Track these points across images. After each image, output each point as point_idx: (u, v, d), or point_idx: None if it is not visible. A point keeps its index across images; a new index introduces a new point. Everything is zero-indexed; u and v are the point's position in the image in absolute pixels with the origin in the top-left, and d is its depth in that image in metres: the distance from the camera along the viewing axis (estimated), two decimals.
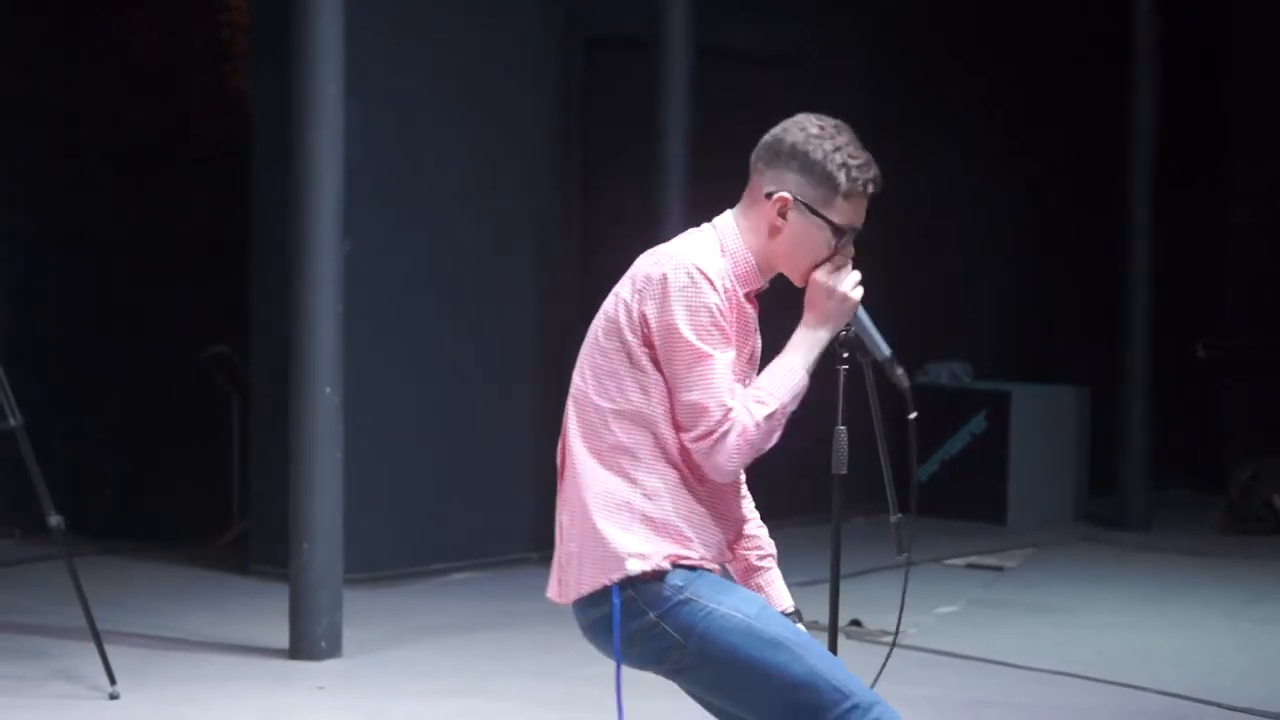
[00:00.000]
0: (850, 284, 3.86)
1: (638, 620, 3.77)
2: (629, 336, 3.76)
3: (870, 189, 3.84)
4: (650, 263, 3.81)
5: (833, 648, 3.92)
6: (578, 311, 9.01)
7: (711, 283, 3.75)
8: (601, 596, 3.79)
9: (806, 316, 3.87)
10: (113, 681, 6.36)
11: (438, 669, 6.97)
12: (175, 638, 7.33)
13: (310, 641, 6.97)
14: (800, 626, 3.90)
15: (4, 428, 6.38)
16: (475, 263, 8.68)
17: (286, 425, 7.12)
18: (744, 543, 4.01)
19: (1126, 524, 10.25)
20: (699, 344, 3.72)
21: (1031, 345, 11.41)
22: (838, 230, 3.83)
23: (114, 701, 6.33)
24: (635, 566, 3.75)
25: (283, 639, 7.05)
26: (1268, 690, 6.82)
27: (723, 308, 3.76)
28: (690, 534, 3.80)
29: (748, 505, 4.04)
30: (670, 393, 3.76)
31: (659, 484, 3.80)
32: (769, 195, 3.84)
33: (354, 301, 7.36)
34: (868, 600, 6.94)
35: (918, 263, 10.46)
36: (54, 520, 6.35)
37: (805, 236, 3.83)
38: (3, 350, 7.26)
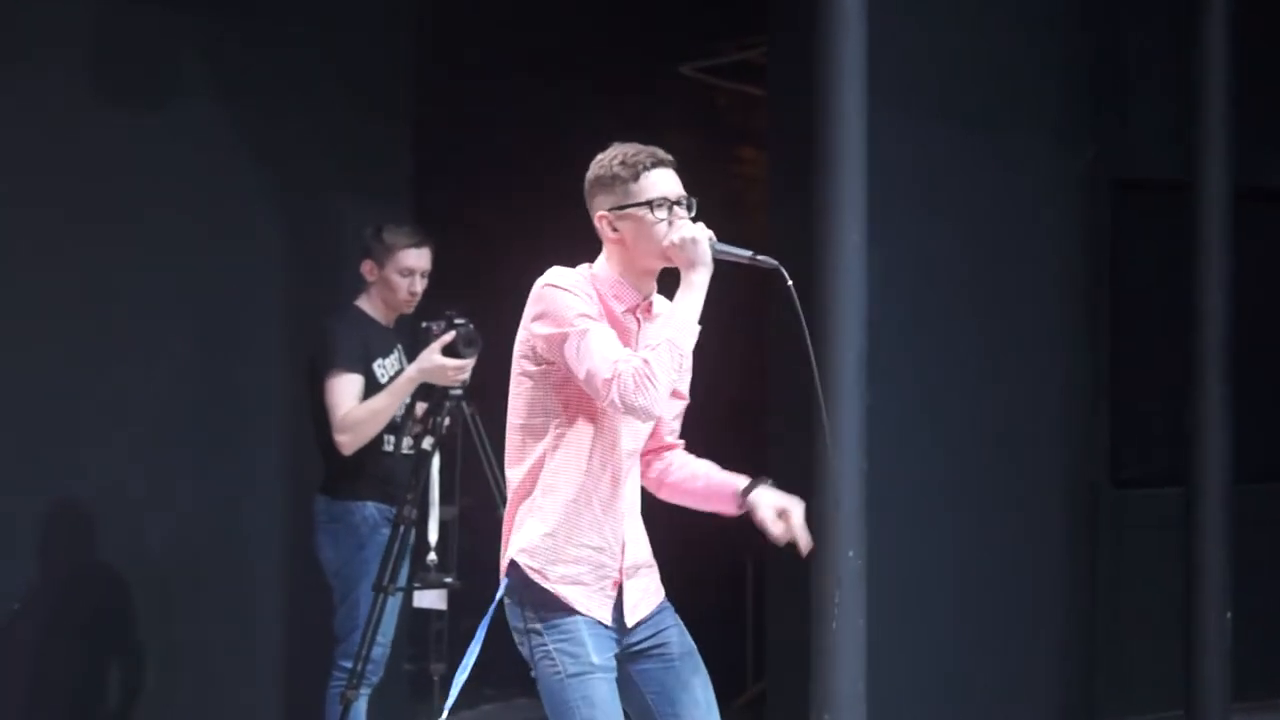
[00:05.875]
0: (689, 229, 4.42)
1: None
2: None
3: (651, 162, 4.45)
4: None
5: None
6: (1108, 468, 8.67)
7: (559, 286, 4.39)
8: None
9: (682, 274, 4.43)
10: None
11: None
12: None
13: None
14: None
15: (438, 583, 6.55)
16: (999, 413, 8.36)
17: (804, 587, 6.89)
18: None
19: None
20: (563, 329, 4.33)
21: None
22: (651, 204, 4.43)
23: None
24: None
25: None
26: None
27: (577, 301, 4.35)
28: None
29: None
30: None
31: None
32: (598, 224, 4.49)
33: (875, 456, 7.14)
34: None
35: None
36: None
37: (637, 229, 4.44)
38: None
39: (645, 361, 4.28)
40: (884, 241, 7.54)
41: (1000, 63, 8.37)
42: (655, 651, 4.51)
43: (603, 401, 4.30)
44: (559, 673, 4.34)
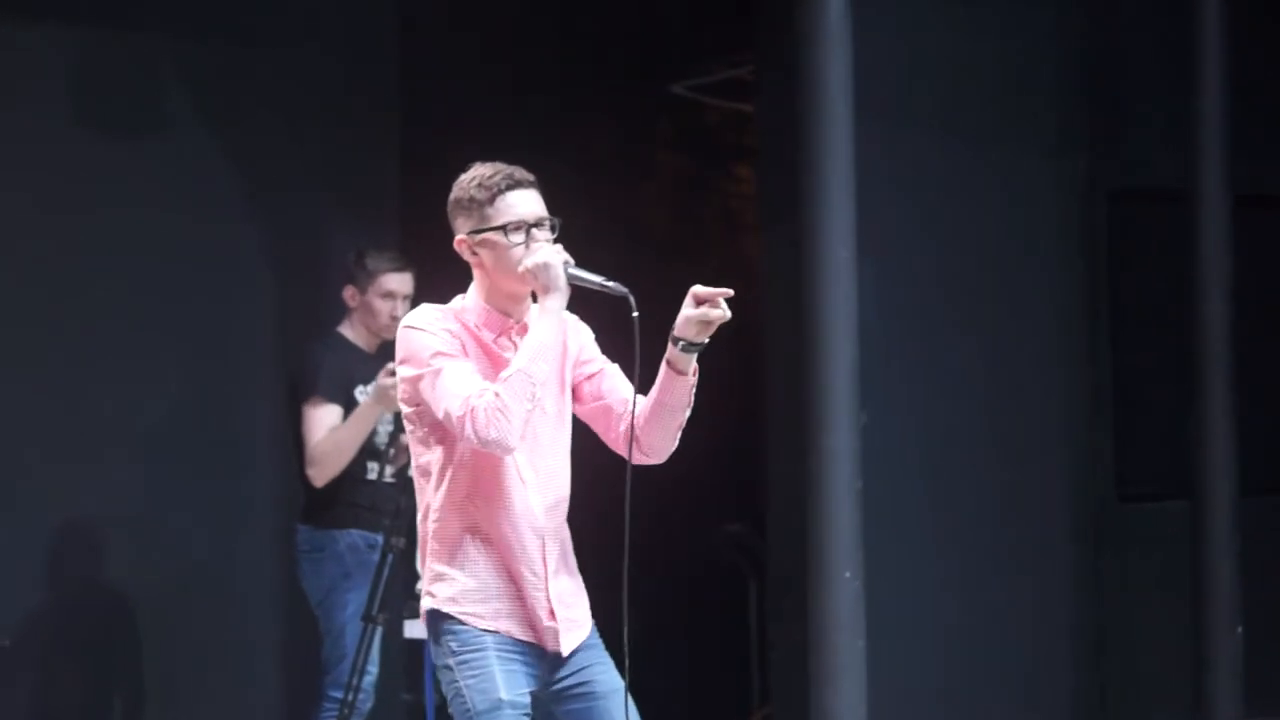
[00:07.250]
0: (542, 254, 4.28)
1: None
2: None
3: (508, 184, 4.31)
4: None
5: None
6: (1113, 482, 8.57)
7: (415, 326, 4.31)
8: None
9: (539, 299, 4.31)
10: None
11: None
12: None
13: None
14: None
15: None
16: (999, 429, 8.27)
17: (804, 609, 6.81)
18: None
19: None
20: (421, 369, 4.26)
21: None
22: (505, 229, 4.30)
23: None
24: None
25: None
26: None
27: (433, 340, 4.27)
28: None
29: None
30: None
31: None
32: (457, 247, 4.39)
33: (871, 476, 7.06)
34: None
35: None
36: None
37: (495, 253, 4.32)
38: None
39: (497, 395, 4.18)
40: (876, 256, 7.47)
41: (991, 74, 8.29)
42: (580, 690, 4.41)
43: (461, 438, 4.22)
44: (469, 710, 4.29)
